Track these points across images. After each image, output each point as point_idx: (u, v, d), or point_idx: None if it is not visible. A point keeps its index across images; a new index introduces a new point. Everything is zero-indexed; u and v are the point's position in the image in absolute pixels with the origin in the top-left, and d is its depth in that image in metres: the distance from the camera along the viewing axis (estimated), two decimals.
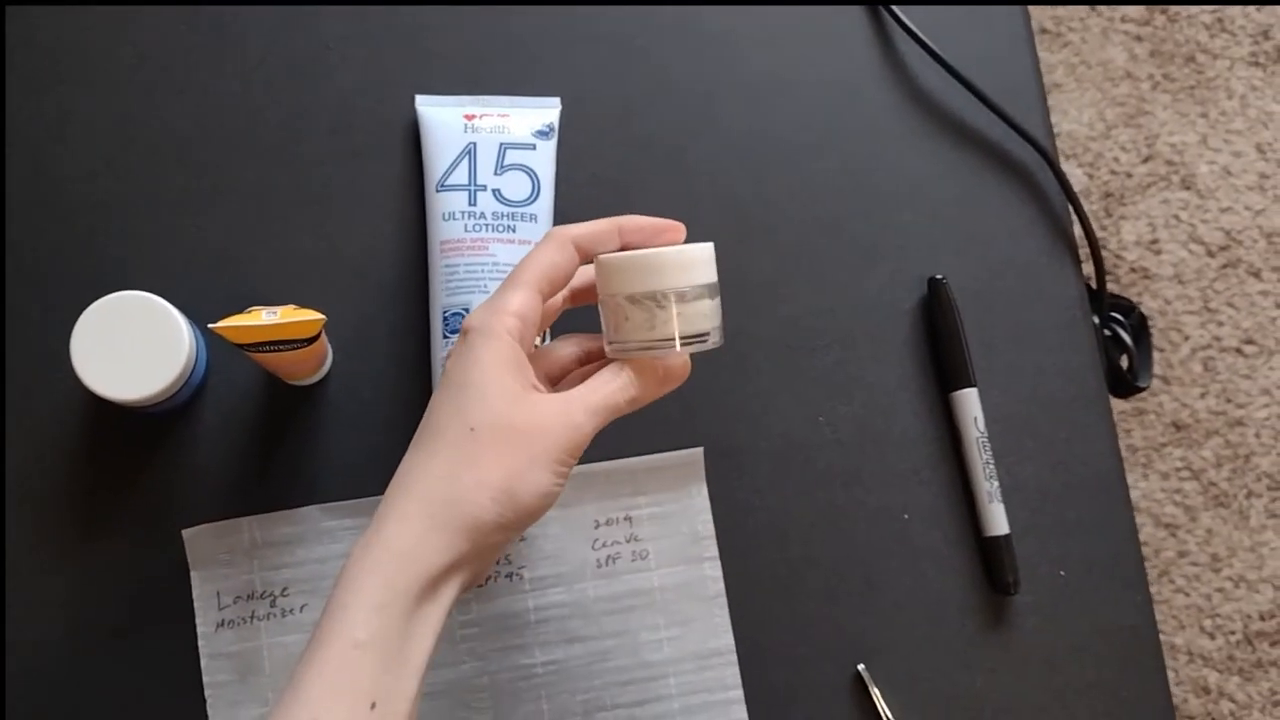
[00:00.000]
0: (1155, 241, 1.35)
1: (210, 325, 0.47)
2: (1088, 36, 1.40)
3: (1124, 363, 0.62)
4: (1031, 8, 0.59)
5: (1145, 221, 1.36)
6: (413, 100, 0.56)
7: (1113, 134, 1.38)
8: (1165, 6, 1.39)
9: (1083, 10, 1.40)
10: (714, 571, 0.56)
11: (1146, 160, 1.37)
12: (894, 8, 0.59)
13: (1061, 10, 1.40)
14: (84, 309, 0.49)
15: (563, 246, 0.44)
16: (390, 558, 0.40)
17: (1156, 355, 1.33)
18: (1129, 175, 1.37)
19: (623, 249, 0.45)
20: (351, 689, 0.38)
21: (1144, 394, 1.31)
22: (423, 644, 0.40)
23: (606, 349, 0.45)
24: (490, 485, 0.40)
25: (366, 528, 0.41)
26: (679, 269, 0.43)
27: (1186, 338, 1.33)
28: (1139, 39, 1.39)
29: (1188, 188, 1.36)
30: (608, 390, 0.43)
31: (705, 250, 0.44)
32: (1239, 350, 1.33)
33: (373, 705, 0.38)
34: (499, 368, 0.42)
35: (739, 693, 0.55)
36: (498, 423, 0.41)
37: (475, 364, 0.42)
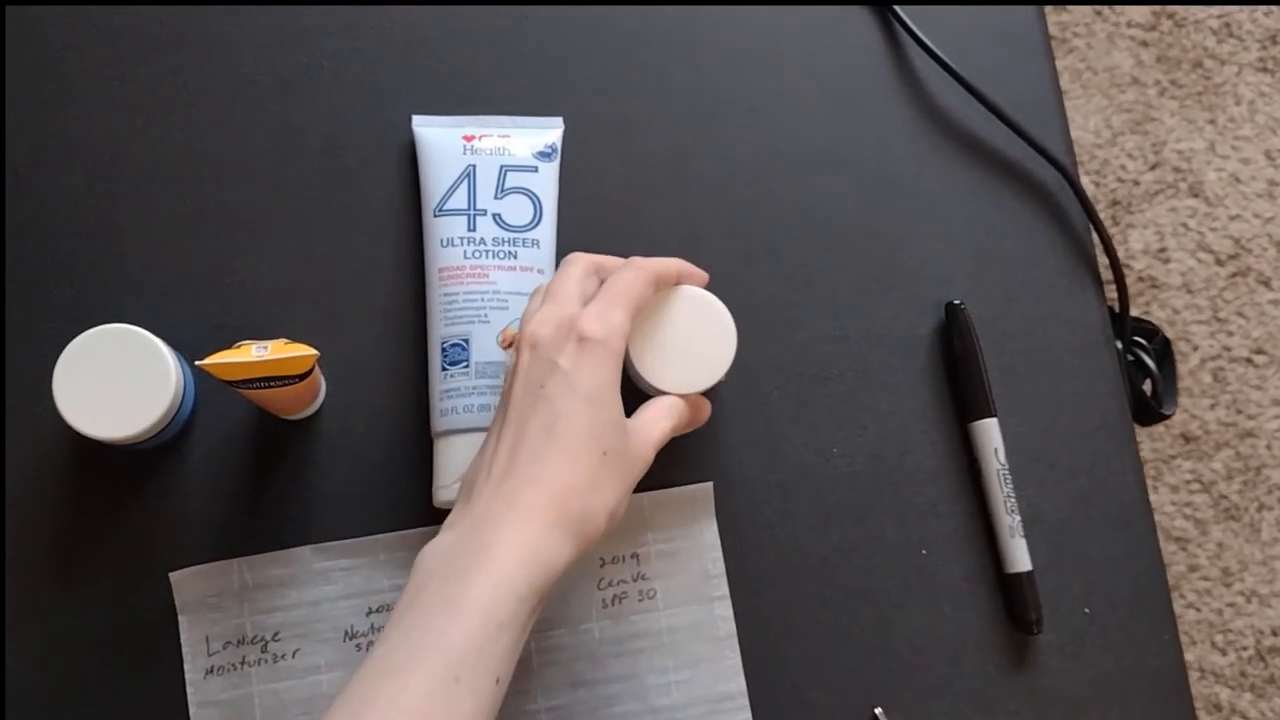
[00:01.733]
0: (1163, 250, 1.33)
1: (198, 362, 0.44)
2: (1094, 43, 1.38)
3: (1147, 388, 0.60)
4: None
5: (1153, 230, 1.34)
6: (409, 120, 0.54)
7: (1119, 141, 1.36)
8: (1172, 12, 1.37)
9: (1088, 15, 1.38)
10: (724, 611, 0.53)
11: (1154, 167, 1.35)
12: (908, 22, 0.57)
13: (1067, 16, 1.38)
14: (66, 343, 0.47)
15: (653, 285, 0.47)
16: (534, 555, 0.42)
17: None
18: (1136, 183, 1.35)
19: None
20: (490, 661, 0.40)
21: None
22: (525, 640, 0.42)
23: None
24: (609, 509, 0.44)
25: (479, 507, 0.43)
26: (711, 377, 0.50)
27: (1196, 348, 1.31)
28: (1145, 45, 1.37)
29: (1196, 195, 1.34)
30: (664, 428, 0.47)
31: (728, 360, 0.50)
32: (1249, 360, 1.31)
33: (497, 680, 0.41)
34: (617, 390, 0.44)
35: None
36: (623, 451, 0.44)
37: (606, 383, 0.44)
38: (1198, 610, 1.27)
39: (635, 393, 0.50)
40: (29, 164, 0.53)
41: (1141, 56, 1.37)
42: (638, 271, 0.47)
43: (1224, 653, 1.26)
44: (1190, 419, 1.30)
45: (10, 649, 0.50)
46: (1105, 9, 1.39)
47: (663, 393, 0.50)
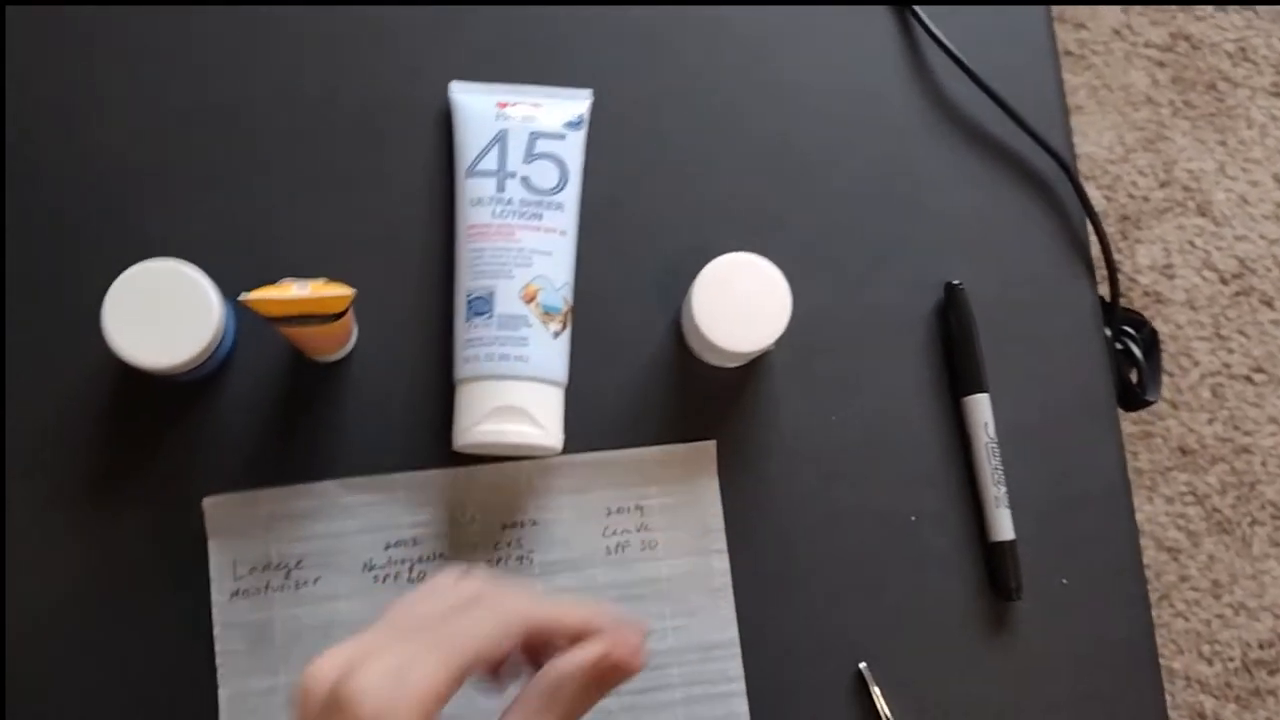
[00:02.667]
0: (1169, 266, 1.36)
1: (242, 296, 0.48)
2: (1110, 60, 1.41)
3: (1133, 377, 0.63)
4: (1057, 29, 0.60)
5: (1160, 246, 1.36)
6: (446, 86, 0.57)
7: (1131, 158, 1.38)
8: (1189, 34, 1.40)
9: (1106, 34, 1.41)
10: (721, 564, 0.56)
11: (1164, 185, 1.38)
12: (924, 18, 0.60)
13: (1085, 33, 1.41)
14: (116, 276, 0.50)
15: (512, 635, 0.39)
16: None
17: (1166, 379, 1.33)
18: (1146, 199, 1.38)
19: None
20: None
21: (1152, 418, 1.32)
22: None
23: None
24: None
25: None
26: None
27: (1196, 363, 1.33)
28: (1161, 65, 1.40)
29: (1204, 214, 1.37)
30: None
31: None
32: (1248, 378, 1.34)
33: None
34: None
35: (741, 685, 0.55)
36: None
37: None
38: (1186, 620, 1.29)
39: None
40: (89, 111, 0.56)
41: (1157, 76, 1.40)
42: (495, 620, 0.38)
43: (1210, 663, 1.29)
44: (1188, 432, 1.32)
45: (51, 567, 0.53)
46: (1124, 29, 1.41)
47: (725, 351, 0.53)
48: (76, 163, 0.56)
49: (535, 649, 0.42)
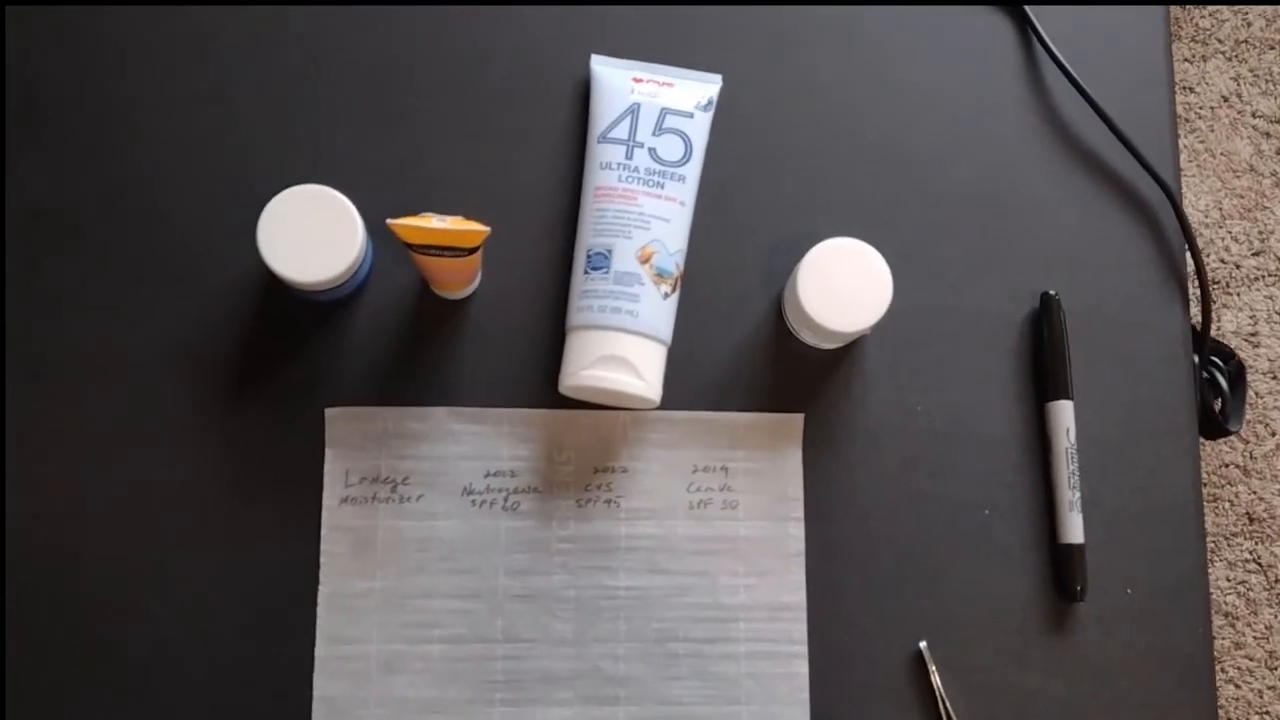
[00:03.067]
0: (1254, 334, 1.36)
1: (388, 220, 0.52)
2: (1216, 126, 1.41)
3: (1217, 406, 0.64)
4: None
5: (1247, 313, 1.36)
6: (588, 59, 0.61)
7: (1227, 224, 1.39)
8: None
9: (1214, 99, 1.42)
10: (797, 531, 0.59)
11: (1257, 254, 1.38)
12: (1043, 34, 0.63)
13: (1192, 97, 1.42)
14: (272, 196, 0.55)
15: None
16: None
17: (1240, 444, 1.33)
18: (1237, 266, 1.38)
19: None
20: None
21: (1222, 482, 1.31)
22: None
23: None
24: None
25: None
26: None
27: (1273, 433, 1.33)
28: (1268, 135, 1.40)
29: None
30: None
31: None
32: None
33: None
34: None
35: (803, 648, 0.58)
36: None
37: None
38: (1237, 687, 1.28)
39: None
40: (269, 46, 0.61)
41: (1262, 147, 1.40)
42: None
43: None
44: (1257, 500, 1.31)
45: (184, 461, 0.57)
46: (1232, 96, 1.42)
47: (823, 330, 0.56)
48: (251, 92, 0.61)
49: None
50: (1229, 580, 1.30)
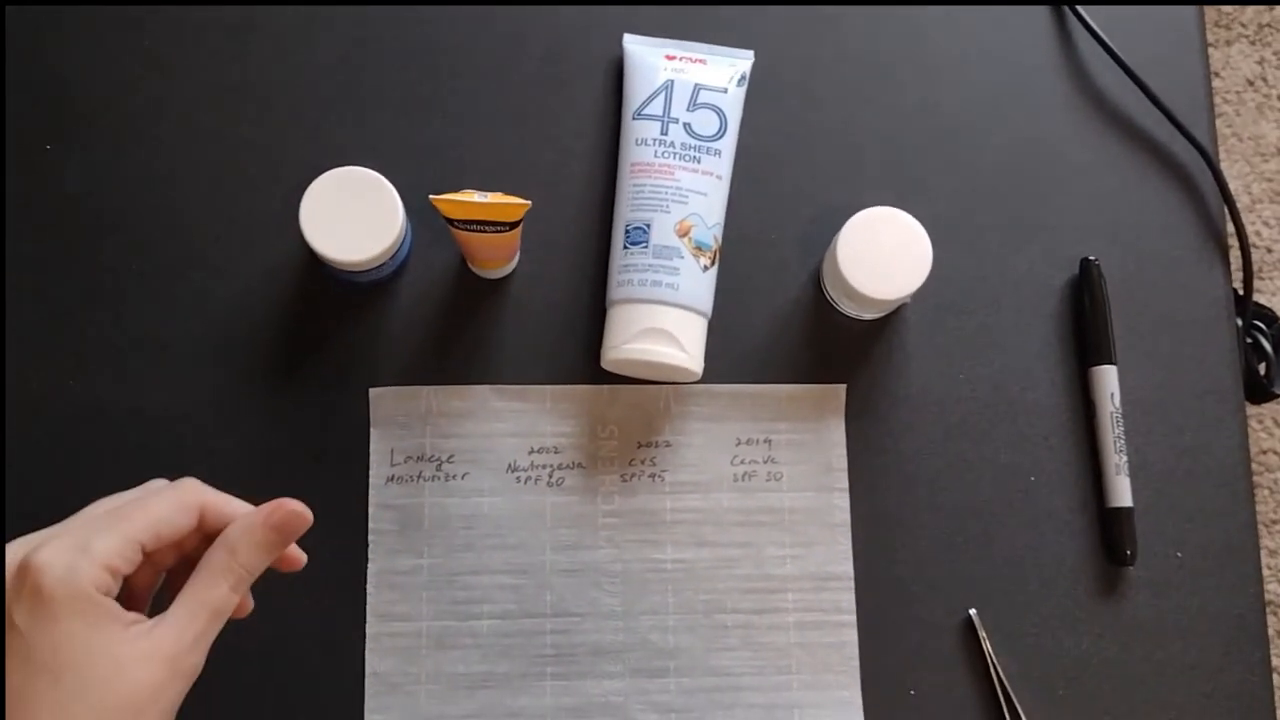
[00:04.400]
0: None
1: (431, 197, 0.52)
2: (1243, 110, 1.41)
3: (1261, 369, 0.64)
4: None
5: (1278, 299, 1.35)
6: (621, 39, 0.62)
7: (1257, 208, 1.38)
8: None
9: (1240, 84, 1.41)
10: (842, 501, 0.59)
11: None
12: (1078, 6, 0.63)
13: (1218, 82, 1.41)
14: (315, 178, 0.56)
15: (190, 509, 0.41)
16: None
17: (1278, 431, 1.32)
18: (1269, 250, 1.37)
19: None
20: None
21: (1261, 469, 1.30)
22: None
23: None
24: None
25: None
26: None
27: None
28: None
29: None
30: (197, 627, 0.40)
31: None
32: None
33: None
34: (97, 644, 0.36)
35: (852, 617, 0.58)
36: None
37: (66, 642, 0.36)
38: (1277, 675, 1.26)
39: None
40: (303, 40, 0.62)
41: None
42: (167, 495, 0.41)
43: None
44: None
45: (232, 441, 0.58)
46: (1258, 80, 1.41)
47: (863, 298, 0.56)
48: (291, 82, 0.62)
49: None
50: (1269, 569, 1.28)
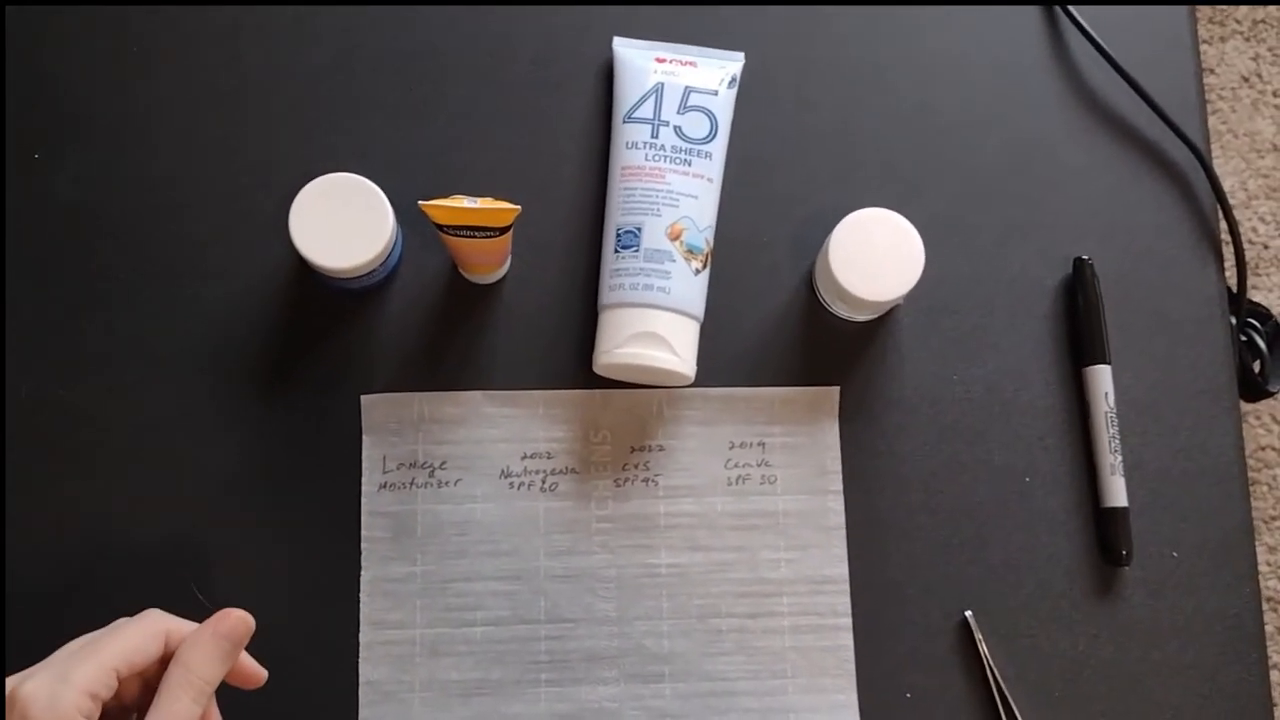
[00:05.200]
0: None
1: (420, 202, 0.52)
2: (1238, 106, 1.40)
3: (1256, 367, 0.63)
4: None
5: (1275, 294, 1.35)
6: (610, 42, 0.62)
7: (1253, 204, 1.37)
8: None
9: (1235, 81, 1.41)
10: (836, 504, 0.59)
11: None
12: (1069, 6, 0.63)
13: (1213, 79, 1.41)
14: (304, 185, 0.55)
15: (156, 636, 0.44)
16: None
17: (1275, 428, 1.32)
18: (1265, 247, 1.36)
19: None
20: None
21: (1259, 465, 1.30)
22: None
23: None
24: None
25: None
26: None
27: None
28: None
29: None
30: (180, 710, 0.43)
31: None
32: None
33: None
34: None
35: (847, 620, 0.58)
36: None
37: None
38: (1275, 672, 1.26)
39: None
40: (292, 43, 0.62)
41: None
42: (136, 625, 0.44)
43: None
44: None
45: (220, 452, 0.58)
46: (1253, 76, 1.41)
47: (856, 300, 0.56)
48: (278, 89, 0.61)
49: None
50: (1269, 565, 1.28)
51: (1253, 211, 1.37)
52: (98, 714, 0.41)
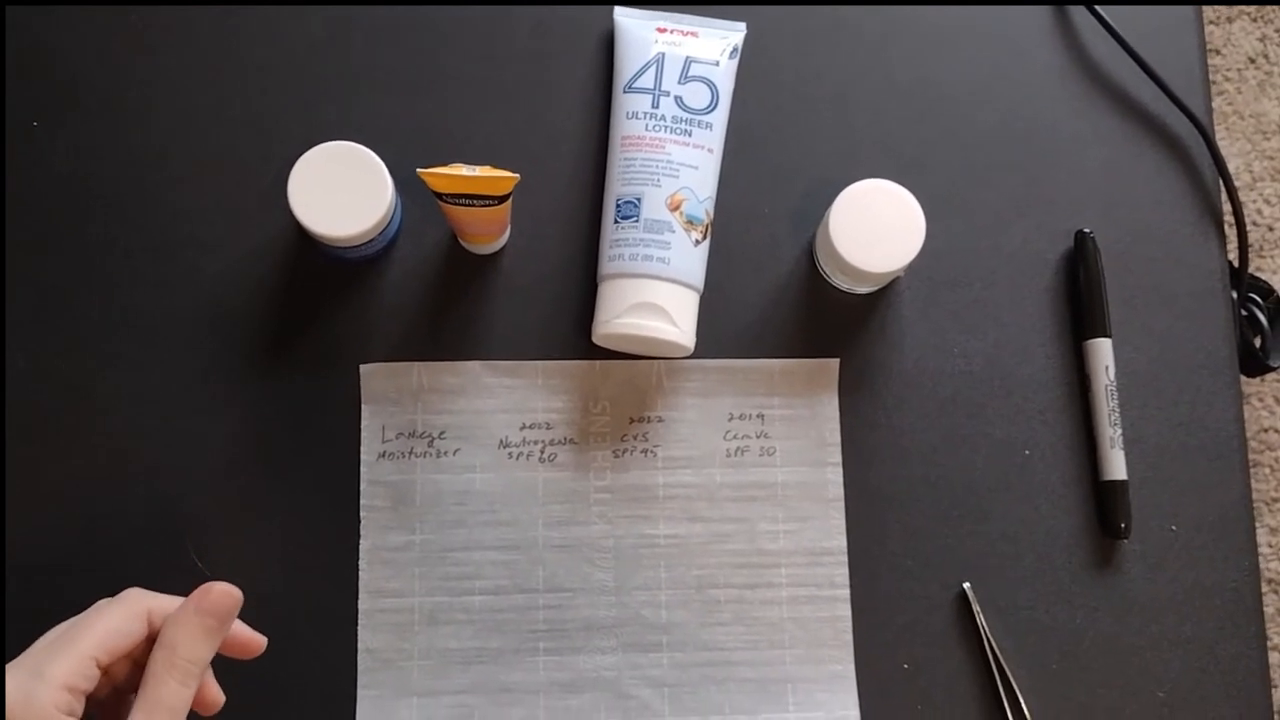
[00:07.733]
0: None
1: (418, 170, 0.52)
2: (1244, 88, 1.40)
3: (1257, 343, 0.63)
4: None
5: (1279, 278, 1.35)
6: (611, 12, 0.61)
7: (1258, 186, 1.37)
8: None
9: (1241, 62, 1.40)
10: (835, 476, 0.59)
11: None
12: None
13: (1219, 59, 1.40)
14: (300, 155, 0.55)
15: (137, 617, 0.42)
16: None
17: (1278, 410, 1.31)
18: (1270, 229, 1.36)
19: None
20: None
21: (1262, 447, 1.29)
22: None
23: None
24: None
25: None
26: None
27: None
28: None
29: None
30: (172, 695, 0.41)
31: None
32: None
33: None
34: None
35: (846, 592, 0.58)
36: None
37: None
38: (1277, 654, 1.26)
39: None
40: (290, 19, 0.61)
41: None
42: (115, 608, 0.42)
43: None
44: None
45: (220, 421, 0.58)
46: (1259, 58, 1.40)
47: (856, 271, 0.56)
48: (278, 59, 0.61)
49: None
50: (1271, 547, 1.28)
51: (1258, 193, 1.37)
52: (80, 707, 0.40)
